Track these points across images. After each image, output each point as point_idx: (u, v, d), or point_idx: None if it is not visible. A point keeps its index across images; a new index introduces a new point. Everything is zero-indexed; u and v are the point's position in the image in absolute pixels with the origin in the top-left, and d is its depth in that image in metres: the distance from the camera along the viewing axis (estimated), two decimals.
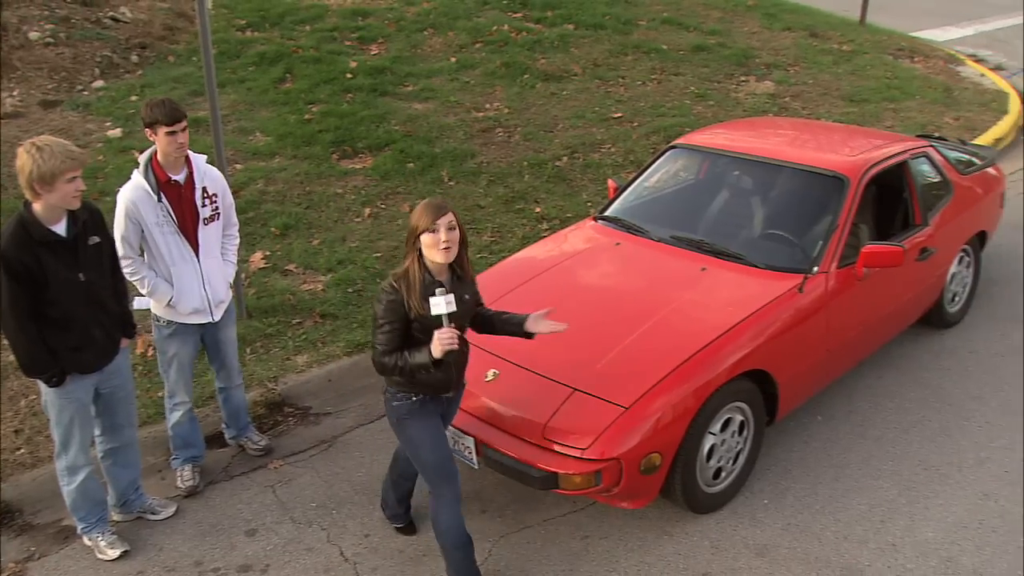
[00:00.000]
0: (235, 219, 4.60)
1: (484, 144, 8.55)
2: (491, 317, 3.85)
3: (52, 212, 3.68)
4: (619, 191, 5.82)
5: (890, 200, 5.62)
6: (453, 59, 10.40)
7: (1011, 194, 7.69)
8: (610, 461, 3.83)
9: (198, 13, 5.29)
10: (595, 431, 3.88)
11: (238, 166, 7.73)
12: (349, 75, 9.60)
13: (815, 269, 4.73)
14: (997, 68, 12.66)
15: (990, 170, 6.47)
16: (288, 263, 6.53)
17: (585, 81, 10.23)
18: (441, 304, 3.37)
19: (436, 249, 3.40)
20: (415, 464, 3.77)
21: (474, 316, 3.81)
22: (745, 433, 4.45)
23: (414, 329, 3.47)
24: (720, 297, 4.60)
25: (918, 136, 6.83)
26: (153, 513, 4.45)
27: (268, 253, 6.59)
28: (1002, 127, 9.96)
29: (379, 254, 6.67)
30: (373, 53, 10.36)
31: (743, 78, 10.80)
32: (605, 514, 4.40)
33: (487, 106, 9.36)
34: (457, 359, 3.59)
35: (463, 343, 3.61)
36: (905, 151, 5.58)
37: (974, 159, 6.47)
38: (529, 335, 3.76)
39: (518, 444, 3.98)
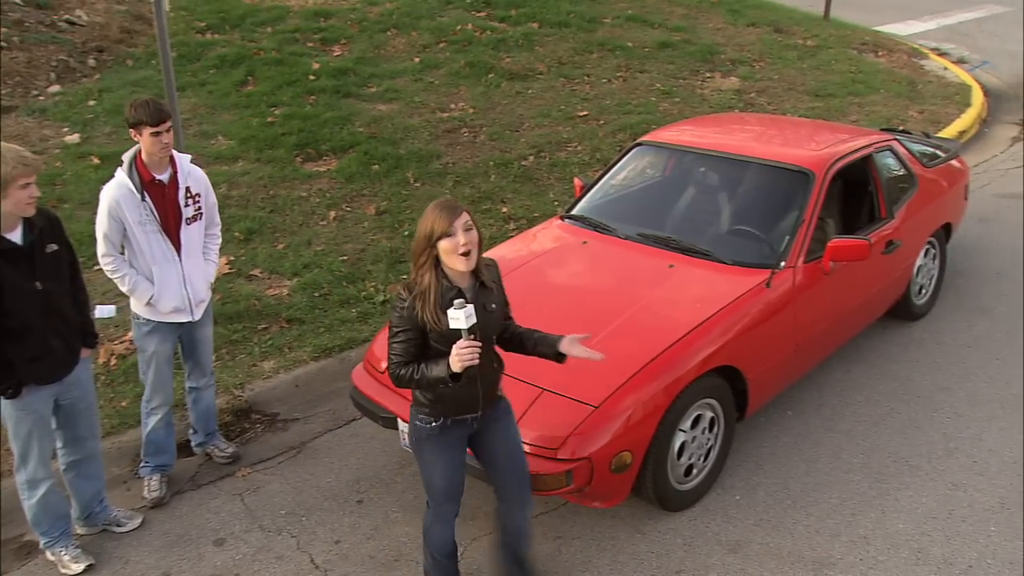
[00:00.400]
0: (218, 219, 4.59)
1: (449, 145, 8.50)
2: (521, 335, 3.48)
3: (6, 220, 3.59)
4: (585, 189, 5.79)
5: (856, 194, 5.64)
6: (417, 59, 10.35)
7: (975, 186, 7.77)
8: (581, 461, 3.80)
9: (156, 15, 5.21)
10: (565, 431, 3.85)
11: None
12: (312, 77, 9.52)
13: (782, 264, 4.74)
14: (960, 61, 12.81)
15: (954, 163, 6.53)
16: (253, 268, 6.45)
17: (550, 80, 10.22)
18: (460, 318, 3.04)
19: (455, 255, 3.11)
20: (423, 482, 3.56)
21: (502, 331, 3.47)
22: (715, 429, 4.44)
23: (432, 339, 3.19)
24: (688, 294, 4.59)
25: (882, 130, 6.86)
26: (118, 525, 4.36)
27: (232, 258, 6.50)
28: (965, 120, 10.08)
29: (345, 257, 6.61)
30: (336, 54, 10.28)
31: (708, 74, 10.84)
32: (577, 514, 4.37)
33: (452, 106, 9.32)
34: (487, 374, 3.31)
35: (495, 357, 3.38)
36: (870, 145, 5.60)
37: (938, 152, 6.52)
38: (561, 358, 3.41)
39: None
